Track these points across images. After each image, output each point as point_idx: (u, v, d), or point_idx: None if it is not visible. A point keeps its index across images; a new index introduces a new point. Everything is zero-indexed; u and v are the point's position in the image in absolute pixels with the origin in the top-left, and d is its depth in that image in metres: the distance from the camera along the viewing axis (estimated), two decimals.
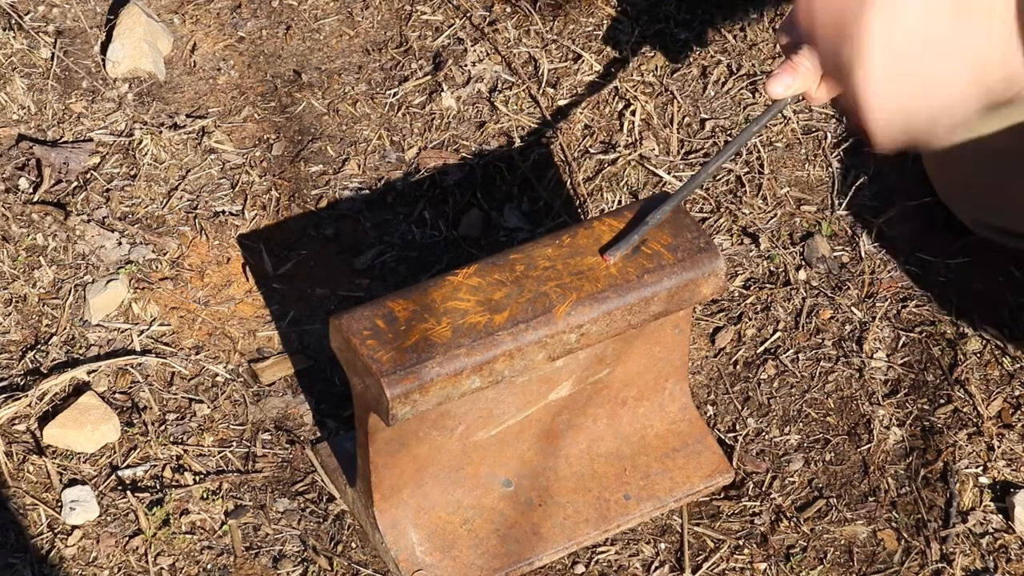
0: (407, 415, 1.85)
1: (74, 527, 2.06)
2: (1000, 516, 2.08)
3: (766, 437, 2.18)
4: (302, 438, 2.16)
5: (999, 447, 2.15)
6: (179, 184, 2.45)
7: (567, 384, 2.03)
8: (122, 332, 2.27)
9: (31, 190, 2.42)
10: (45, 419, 2.14)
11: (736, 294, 2.33)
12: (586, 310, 1.91)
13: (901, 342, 2.26)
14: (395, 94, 2.59)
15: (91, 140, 2.49)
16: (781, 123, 2.52)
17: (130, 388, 2.20)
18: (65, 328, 2.26)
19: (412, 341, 1.86)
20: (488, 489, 2.06)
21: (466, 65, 2.61)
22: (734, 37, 2.63)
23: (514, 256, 1.95)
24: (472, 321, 1.89)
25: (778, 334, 2.28)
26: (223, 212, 2.42)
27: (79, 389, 2.18)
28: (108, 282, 2.29)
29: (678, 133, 2.51)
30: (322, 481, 2.12)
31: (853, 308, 2.30)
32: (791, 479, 2.14)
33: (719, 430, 2.19)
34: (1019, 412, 2.18)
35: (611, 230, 1.98)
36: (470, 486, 2.05)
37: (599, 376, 2.05)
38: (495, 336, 1.88)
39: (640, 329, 2.01)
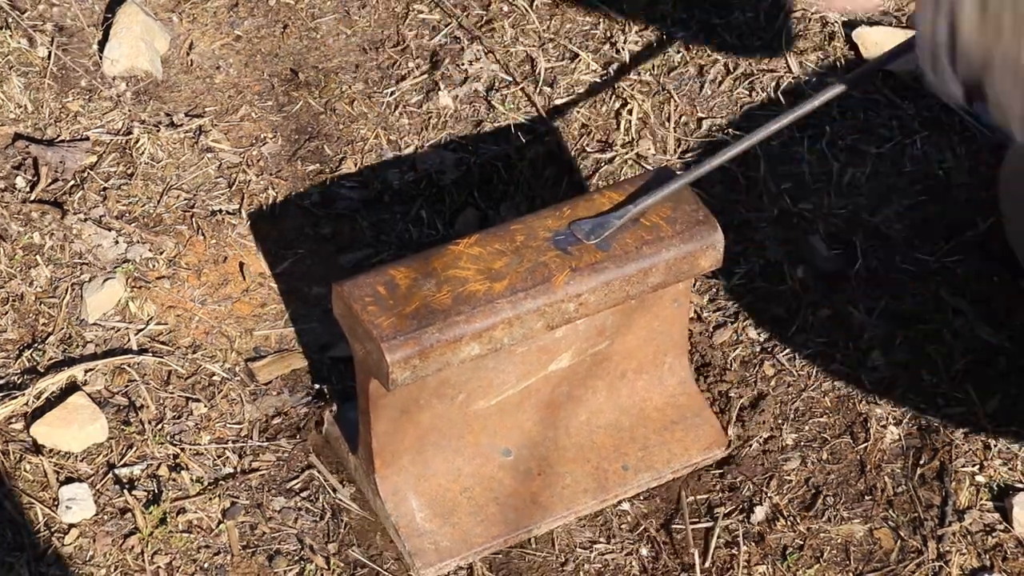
0: (407, 380, 1.87)
1: (71, 525, 2.06)
2: (997, 515, 2.08)
3: (763, 436, 2.18)
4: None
5: (995, 446, 2.15)
6: (176, 183, 2.45)
7: (567, 355, 2.05)
8: (119, 331, 2.27)
9: (28, 189, 2.42)
10: (35, 416, 2.14)
11: (733, 292, 2.33)
12: (585, 280, 1.93)
13: (898, 341, 2.26)
14: (392, 93, 2.59)
15: (88, 139, 2.49)
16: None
17: (127, 387, 2.20)
18: (62, 327, 2.26)
19: (413, 308, 1.88)
20: (488, 458, 2.08)
21: (463, 64, 2.61)
22: (731, 36, 2.64)
23: (515, 227, 1.98)
24: (472, 289, 1.91)
25: (776, 332, 2.28)
26: (220, 211, 2.42)
27: (69, 388, 2.18)
28: (105, 281, 2.29)
29: (675, 132, 2.52)
30: (321, 477, 2.12)
31: (850, 306, 2.30)
32: (788, 478, 2.14)
33: None
34: (1015, 411, 2.18)
35: (611, 202, 2.01)
36: (470, 455, 2.07)
37: (599, 348, 2.07)
38: (494, 304, 1.90)
39: (640, 302, 2.04)
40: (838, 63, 2.59)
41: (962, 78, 1.63)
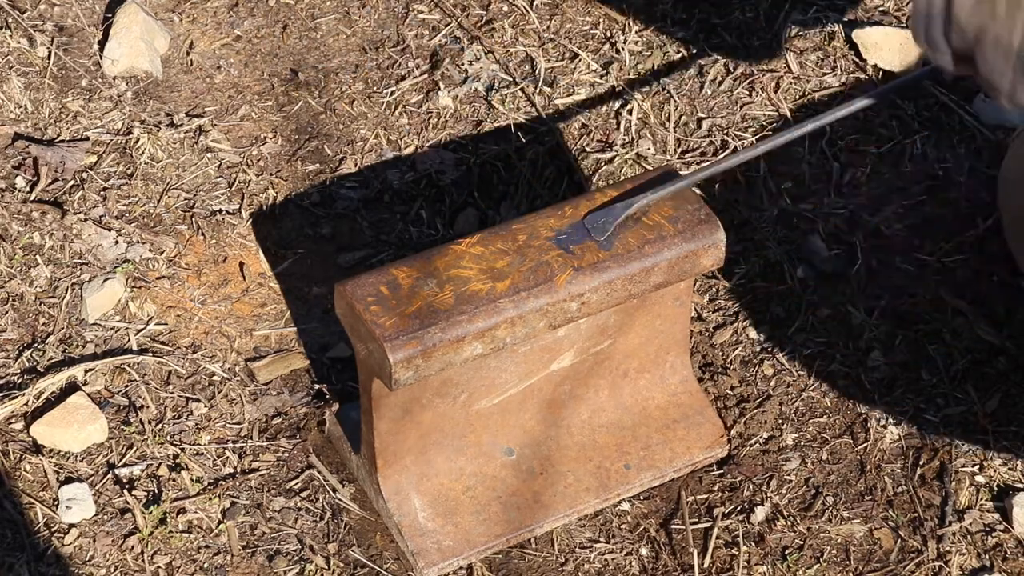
0: (410, 380, 1.88)
1: (71, 525, 2.06)
2: (997, 515, 2.09)
3: (763, 436, 2.18)
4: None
5: (995, 446, 2.15)
6: (176, 183, 2.45)
7: (569, 354, 2.05)
8: (119, 331, 2.27)
9: (28, 189, 2.42)
10: (34, 416, 2.14)
11: (734, 292, 2.33)
12: (587, 279, 1.94)
13: (898, 341, 2.26)
14: (392, 93, 2.59)
15: (88, 139, 2.49)
16: (780, 121, 2.52)
17: (127, 387, 2.20)
18: (62, 327, 2.26)
19: (415, 307, 1.89)
20: (490, 457, 2.08)
21: (463, 64, 2.61)
22: (731, 36, 2.64)
23: (517, 226, 1.98)
24: (474, 288, 1.91)
25: (776, 332, 2.28)
26: (220, 211, 2.42)
27: (69, 388, 2.18)
28: (105, 281, 2.29)
29: (675, 132, 2.52)
30: (321, 477, 2.12)
31: (850, 306, 2.30)
32: (788, 478, 2.14)
33: None
34: (1015, 411, 2.18)
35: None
36: (473, 454, 2.07)
37: (601, 347, 2.07)
38: (497, 303, 1.90)
39: (641, 301, 2.04)
40: (838, 63, 2.59)
41: (953, 48, 1.69)
